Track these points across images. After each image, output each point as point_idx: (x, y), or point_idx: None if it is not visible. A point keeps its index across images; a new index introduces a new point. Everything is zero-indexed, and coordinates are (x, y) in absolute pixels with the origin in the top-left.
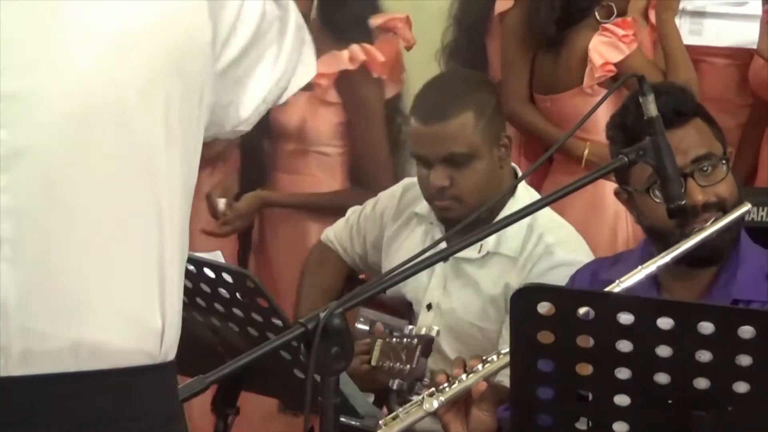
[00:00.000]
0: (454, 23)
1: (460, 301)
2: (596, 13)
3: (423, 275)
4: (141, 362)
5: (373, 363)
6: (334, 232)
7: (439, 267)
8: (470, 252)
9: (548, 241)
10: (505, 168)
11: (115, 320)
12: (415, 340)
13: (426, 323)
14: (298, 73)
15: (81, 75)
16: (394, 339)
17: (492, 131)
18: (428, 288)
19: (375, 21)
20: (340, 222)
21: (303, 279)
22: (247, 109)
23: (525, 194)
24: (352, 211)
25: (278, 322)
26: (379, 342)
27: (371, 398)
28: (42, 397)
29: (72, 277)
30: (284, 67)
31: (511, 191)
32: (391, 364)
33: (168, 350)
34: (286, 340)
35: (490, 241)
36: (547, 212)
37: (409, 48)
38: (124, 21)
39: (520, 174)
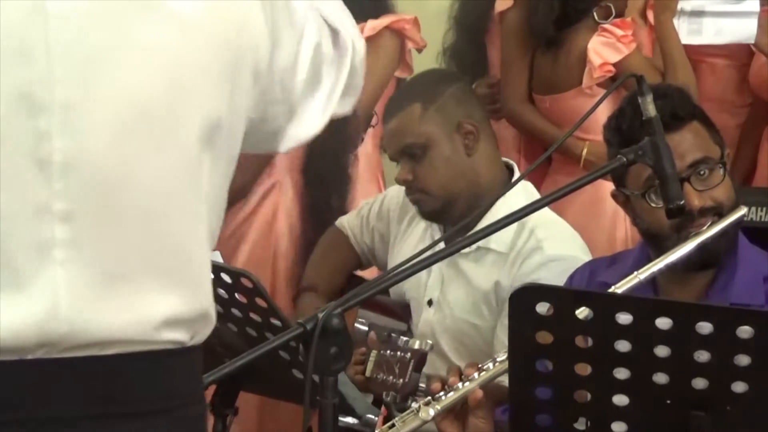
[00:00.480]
0: (455, 24)
1: (456, 298)
2: (594, 14)
3: (423, 272)
4: (185, 345)
5: (367, 374)
6: (348, 220)
7: (437, 264)
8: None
9: (539, 236)
10: (476, 156)
11: (161, 320)
12: (408, 354)
13: (427, 320)
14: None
15: (135, 90)
16: (388, 352)
17: (446, 118)
18: (428, 284)
19: (382, 22)
20: (354, 212)
21: (313, 256)
22: (290, 141)
23: (521, 191)
24: (365, 203)
25: (277, 323)
26: (373, 353)
27: (370, 398)
28: (78, 377)
29: (122, 279)
30: (332, 110)
31: (509, 188)
32: (385, 377)
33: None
34: (284, 341)
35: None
36: (539, 210)
37: (419, 49)
38: (180, 41)
39: (515, 170)
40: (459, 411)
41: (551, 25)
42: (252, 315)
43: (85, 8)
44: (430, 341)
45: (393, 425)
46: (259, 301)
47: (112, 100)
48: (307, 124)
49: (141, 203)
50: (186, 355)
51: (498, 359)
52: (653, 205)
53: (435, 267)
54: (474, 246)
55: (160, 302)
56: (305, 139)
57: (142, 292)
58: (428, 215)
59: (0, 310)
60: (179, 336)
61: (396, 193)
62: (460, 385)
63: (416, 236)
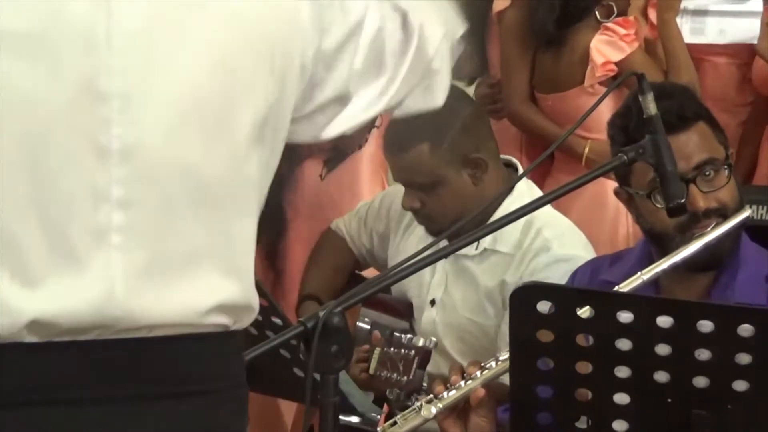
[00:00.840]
0: None
1: (460, 296)
2: (597, 13)
3: (426, 272)
4: (228, 329)
5: (371, 372)
6: (344, 222)
7: (440, 263)
8: (467, 249)
9: (546, 236)
10: (483, 184)
11: (210, 306)
12: (413, 352)
13: (430, 319)
14: (416, 96)
15: (191, 81)
16: (392, 349)
17: (455, 154)
18: (431, 284)
19: None
20: (351, 214)
21: (312, 257)
22: (336, 127)
23: (525, 190)
24: (363, 204)
25: (277, 321)
26: (377, 351)
27: (371, 397)
28: (131, 357)
29: (175, 266)
30: (393, 94)
31: (509, 191)
32: (389, 374)
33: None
34: (285, 339)
35: (486, 239)
36: (545, 207)
37: None
38: (234, 36)
39: (520, 170)
40: (461, 409)
41: (552, 24)
42: None
43: (145, 3)
44: (434, 338)
45: (395, 422)
46: (261, 301)
47: (168, 92)
48: (359, 109)
49: (195, 193)
50: (230, 339)
51: (501, 358)
52: (658, 206)
53: (439, 267)
54: (480, 248)
55: (210, 289)
56: (354, 123)
57: (193, 279)
58: (435, 233)
59: (58, 292)
60: (224, 320)
61: (395, 191)
62: (462, 383)
63: (418, 235)
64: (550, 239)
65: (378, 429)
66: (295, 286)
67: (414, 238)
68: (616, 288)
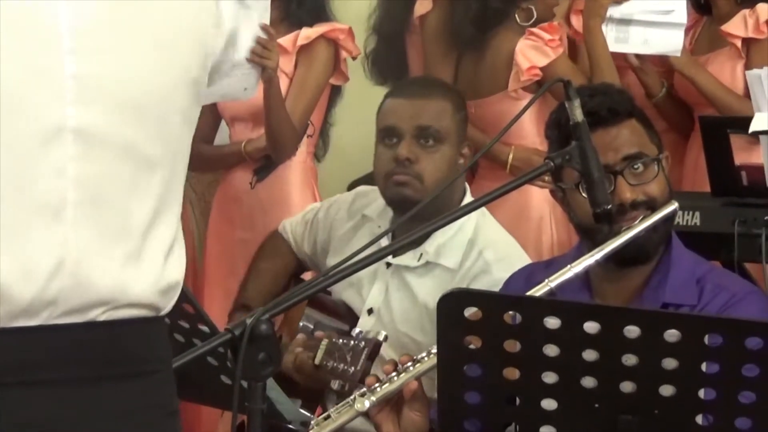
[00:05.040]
0: (374, 32)
1: (399, 310)
2: (516, 16)
3: (365, 280)
4: (158, 313)
5: (317, 362)
6: (291, 225)
7: (382, 273)
8: (410, 260)
9: (487, 258)
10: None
11: (153, 279)
12: (362, 343)
13: (366, 328)
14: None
15: (137, 67)
16: (341, 340)
17: (461, 132)
18: (371, 293)
19: (317, 30)
20: (298, 216)
21: (253, 264)
22: (240, 51)
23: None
24: (311, 208)
25: (204, 329)
26: (325, 341)
27: (298, 404)
28: (80, 341)
29: (120, 238)
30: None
31: (440, 191)
32: (335, 364)
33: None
34: (213, 346)
35: (430, 251)
36: (491, 227)
37: (354, 57)
38: (170, 23)
39: (467, 191)
40: (395, 404)
41: (470, 26)
42: (180, 321)
43: None
44: (385, 332)
45: (328, 416)
46: (187, 307)
47: (118, 76)
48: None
49: (140, 171)
50: (162, 323)
51: (433, 351)
52: (585, 196)
53: (380, 276)
54: (423, 260)
55: (155, 265)
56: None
57: (141, 254)
58: (404, 200)
59: (14, 266)
60: (159, 300)
61: (344, 199)
62: (395, 376)
63: (361, 242)
64: (491, 262)
65: (311, 422)
66: (215, 292)
67: (357, 243)
68: (546, 281)
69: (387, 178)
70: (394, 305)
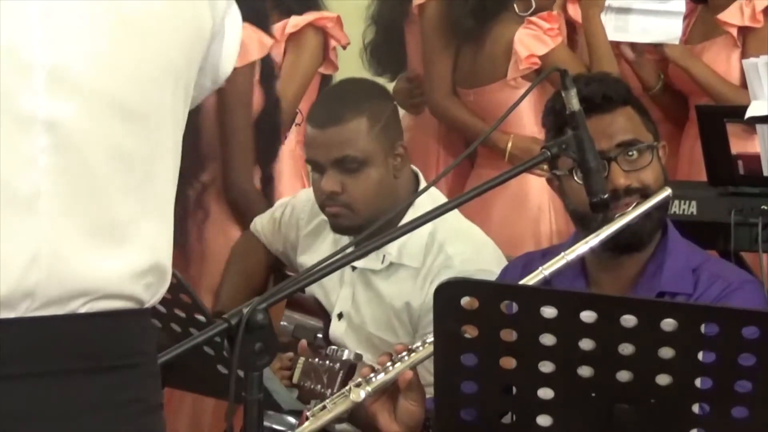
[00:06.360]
0: (373, 21)
1: (368, 313)
2: (515, 6)
3: (335, 284)
4: (142, 305)
5: (295, 381)
6: (261, 224)
7: (348, 276)
8: (374, 263)
9: (448, 252)
10: (400, 178)
11: (133, 270)
12: (338, 365)
13: (338, 333)
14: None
15: (108, 56)
16: (317, 360)
17: (387, 140)
18: (339, 297)
19: (305, 19)
20: (267, 214)
21: (228, 265)
22: (227, 61)
23: (427, 199)
24: (280, 205)
25: (201, 318)
26: (301, 360)
27: (295, 393)
28: (59, 334)
29: (102, 231)
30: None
31: (418, 195)
32: (312, 386)
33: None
34: (209, 336)
35: (392, 252)
36: (450, 220)
37: (343, 47)
38: (151, 12)
39: (421, 178)
40: (390, 393)
41: (469, 15)
42: (176, 311)
43: None
44: (359, 352)
45: (324, 407)
46: (184, 297)
47: (87, 66)
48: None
49: (117, 163)
50: (146, 316)
51: (428, 340)
52: (579, 182)
53: (347, 280)
54: (386, 262)
55: (135, 256)
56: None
57: (119, 246)
58: (343, 230)
59: None
60: (142, 293)
61: (307, 199)
62: (390, 366)
63: (327, 247)
64: (452, 255)
65: (308, 412)
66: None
67: (324, 247)
68: (540, 269)
69: (322, 208)
70: (363, 309)
